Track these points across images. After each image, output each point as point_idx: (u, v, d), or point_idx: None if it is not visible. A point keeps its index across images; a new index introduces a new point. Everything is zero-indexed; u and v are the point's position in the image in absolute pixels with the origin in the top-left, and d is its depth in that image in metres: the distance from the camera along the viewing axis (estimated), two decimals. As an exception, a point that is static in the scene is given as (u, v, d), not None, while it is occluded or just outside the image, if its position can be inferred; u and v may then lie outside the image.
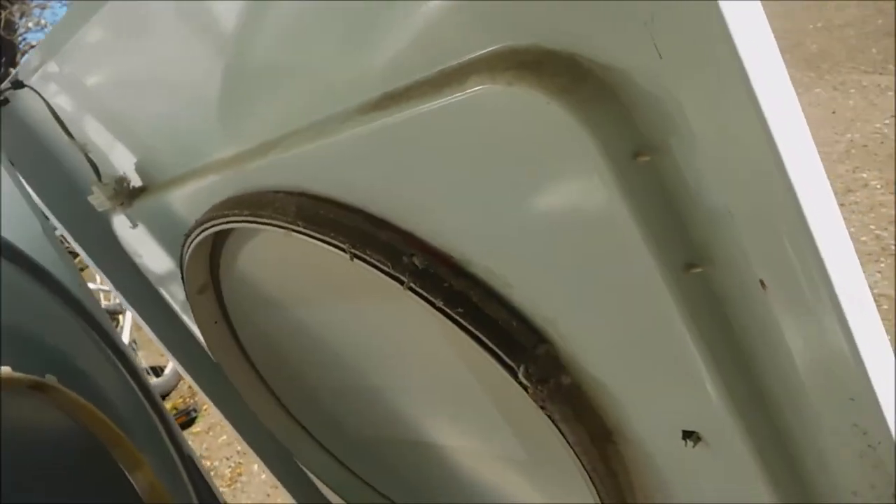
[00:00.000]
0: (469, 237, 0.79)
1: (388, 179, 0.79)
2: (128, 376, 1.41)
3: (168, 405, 4.21)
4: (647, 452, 0.92)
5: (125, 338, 4.16)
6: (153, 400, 1.49)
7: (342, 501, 1.63)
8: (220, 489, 3.32)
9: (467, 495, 1.28)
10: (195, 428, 3.94)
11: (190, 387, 4.13)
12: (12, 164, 1.40)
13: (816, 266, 0.58)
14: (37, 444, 1.27)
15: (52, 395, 1.11)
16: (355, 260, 0.83)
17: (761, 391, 0.71)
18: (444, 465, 1.26)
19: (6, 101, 1.35)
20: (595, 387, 0.86)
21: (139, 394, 1.44)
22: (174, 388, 4.38)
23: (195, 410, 4.07)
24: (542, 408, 0.83)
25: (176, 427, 1.59)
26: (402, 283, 0.81)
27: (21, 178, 1.42)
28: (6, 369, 0.99)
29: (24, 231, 1.37)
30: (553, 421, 0.84)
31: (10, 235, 1.28)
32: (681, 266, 0.65)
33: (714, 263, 0.65)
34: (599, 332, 0.78)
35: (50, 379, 1.09)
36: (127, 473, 1.26)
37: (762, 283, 0.62)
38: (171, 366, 4.26)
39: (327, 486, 1.51)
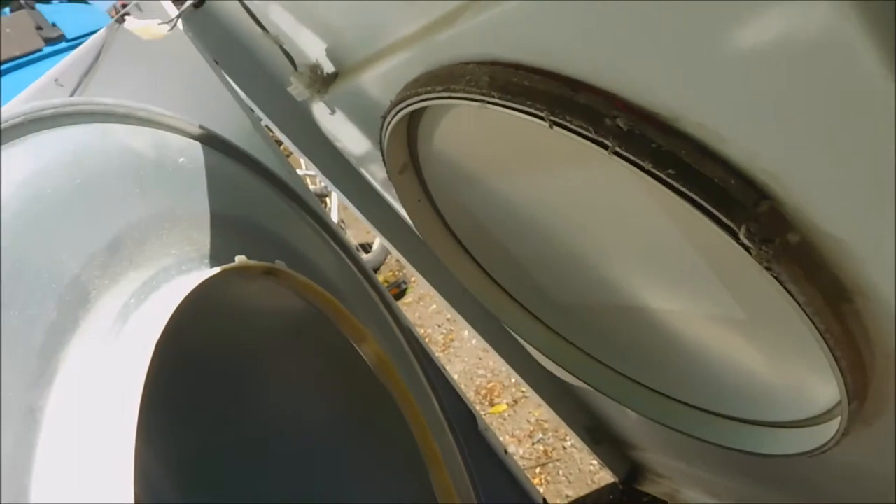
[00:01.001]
0: (678, 90, 0.74)
1: (587, 35, 0.75)
2: (343, 255, 1.52)
3: (380, 279, 4.53)
4: (892, 311, 0.85)
5: (334, 218, 4.47)
6: (368, 275, 1.60)
7: (549, 362, 1.69)
8: (437, 353, 3.57)
9: (679, 354, 1.27)
10: (406, 299, 4.22)
11: (398, 260, 4.40)
12: (217, 63, 1.50)
13: None
14: (275, 323, 1.43)
15: (282, 279, 1.22)
16: (555, 127, 0.81)
17: None
18: (654, 326, 1.25)
19: (202, 1, 1.43)
20: (828, 242, 0.79)
21: (355, 270, 1.55)
22: (383, 262, 4.68)
23: (405, 283, 4.34)
24: (767, 269, 0.78)
25: (391, 299, 1.71)
26: (606, 147, 0.78)
27: (226, 75, 1.52)
28: (242, 258, 1.10)
29: (236, 127, 1.48)
30: (780, 282, 0.80)
31: (225, 132, 1.39)
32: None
33: None
34: (833, 181, 0.71)
35: (279, 264, 1.20)
36: (356, 346, 1.39)
37: None
38: (378, 242, 4.53)
39: (535, 348, 1.56)
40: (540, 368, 1.94)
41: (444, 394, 1.73)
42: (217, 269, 1.03)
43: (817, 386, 1.05)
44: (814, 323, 0.83)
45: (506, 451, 1.94)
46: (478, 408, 3.01)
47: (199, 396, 1.49)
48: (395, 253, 1.75)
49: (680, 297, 1.14)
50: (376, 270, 4.58)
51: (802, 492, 1.67)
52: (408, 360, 1.56)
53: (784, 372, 1.11)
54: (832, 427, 1.08)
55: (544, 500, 2.04)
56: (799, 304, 0.81)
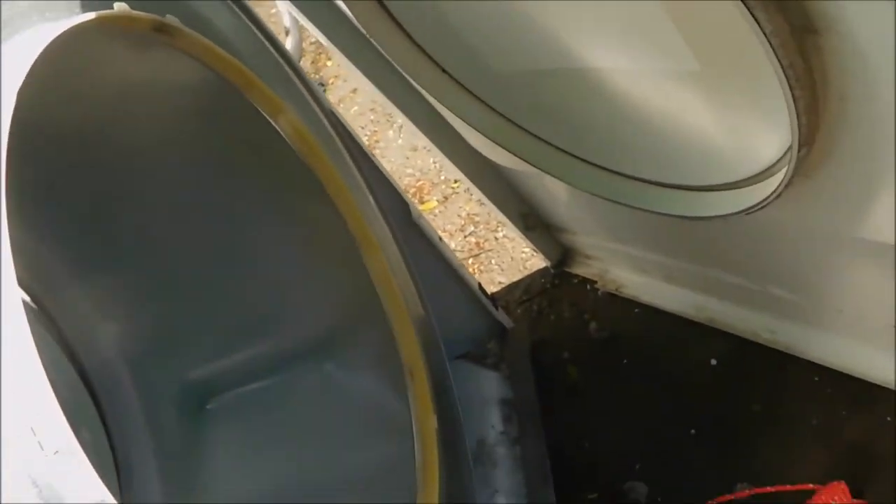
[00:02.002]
0: None
1: None
2: (244, 17, 1.35)
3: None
4: (858, 51, 0.81)
5: None
6: (277, 46, 1.45)
7: (486, 145, 1.64)
8: (361, 155, 3.49)
9: (623, 121, 1.23)
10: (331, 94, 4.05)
11: (314, 61, 4.16)
12: None
13: None
14: (173, 94, 1.29)
15: (178, 39, 1.08)
16: None
17: None
18: (599, 91, 1.19)
19: None
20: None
21: (261, 37, 1.40)
22: (299, 59, 4.41)
23: (323, 83, 4.14)
24: (737, -8, 0.71)
25: (312, 81, 1.59)
26: None
27: None
28: (121, 5, 0.95)
29: None
30: (749, 9, 0.74)
31: None
32: None
33: None
34: None
35: (171, 19, 1.05)
36: (269, 119, 1.29)
37: None
38: (290, 24, 4.14)
39: (474, 127, 1.50)
40: (475, 158, 1.90)
41: (375, 182, 1.67)
42: (91, 15, 0.88)
43: (765, 137, 1.03)
44: (777, 57, 0.78)
45: (440, 239, 1.94)
46: (408, 206, 3.00)
47: (85, 185, 1.38)
48: (313, 30, 1.61)
49: (630, 51, 1.08)
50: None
51: (731, 262, 1.73)
52: (333, 144, 1.48)
53: (732, 127, 1.09)
54: (773, 182, 1.08)
55: (479, 284, 2.08)
56: (765, 35, 0.76)
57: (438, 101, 1.49)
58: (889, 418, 1.59)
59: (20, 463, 0.65)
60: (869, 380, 1.61)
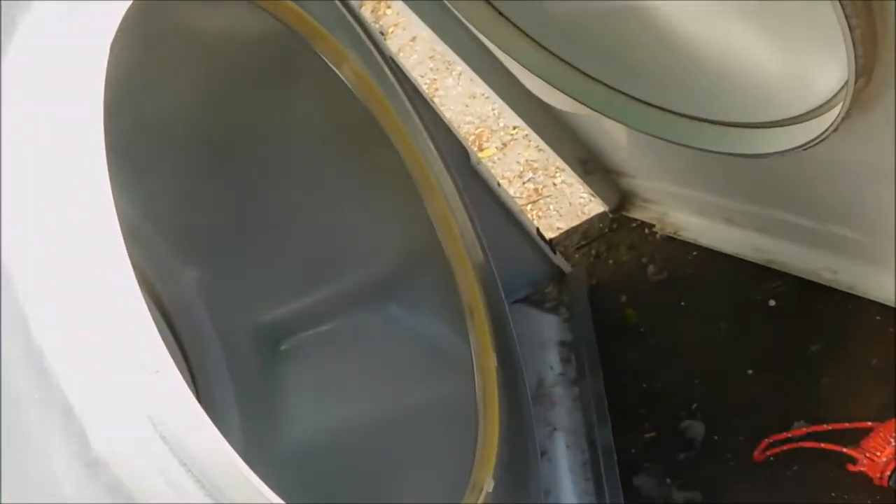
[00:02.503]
0: None
1: None
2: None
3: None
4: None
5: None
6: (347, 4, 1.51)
7: (543, 89, 1.67)
8: (419, 105, 3.52)
9: (679, 58, 1.24)
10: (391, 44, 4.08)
11: (373, 10, 4.18)
12: None
13: None
14: (246, 55, 1.36)
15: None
16: None
17: None
18: (655, 27, 1.21)
19: None
20: None
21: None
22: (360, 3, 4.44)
23: (382, 32, 4.16)
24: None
25: (374, 29, 1.63)
26: None
27: None
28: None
29: None
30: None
31: None
32: None
33: None
34: None
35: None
36: (334, 68, 1.34)
37: None
38: None
39: (530, 70, 1.53)
40: (533, 103, 1.92)
41: (435, 128, 1.72)
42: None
43: (822, 70, 1.03)
44: (831, -12, 0.79)
45: (498, 185, 1.98)
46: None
47: (173, 145, 1.47)
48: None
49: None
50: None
51: (791, 201, 1.73)
52: (394, 92, 1.52)
53: (789, 60, 1.09)
54: (830, 116, 1.09)
55: (537, 229, 2.12)
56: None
57: (494, 43, 1.52)
58: (952, 356, 1.59)
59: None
60: (933, 318, 1.61)
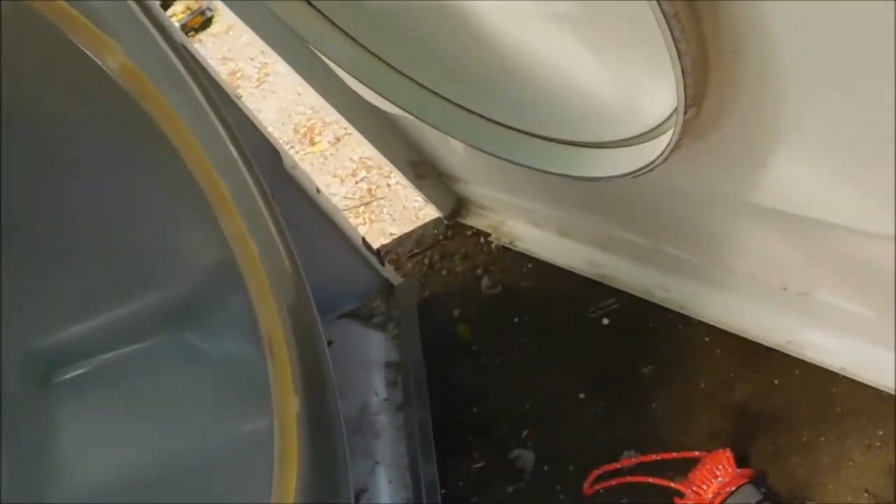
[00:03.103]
0: None
1: None
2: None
3: (180, 6, 3.97)
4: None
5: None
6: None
7: (370, 92, 1.48)
8: (249, 90, 3.24)
9: (505, 69, 1.09)
10: (213, 29, 3.75)
11: (199, -17, 3.83)
12: None
13: None
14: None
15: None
16: None
17: None
18: (478, 35, 1.05)
19: None
20: None
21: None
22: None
23: (210, 9, 3.82)
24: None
25: (162, 15, 1.38)
26: None
27: None
28: None
29: None
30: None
31: None
32: None
33: None
34: None
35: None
36: (95, 59, 1.09)
37: None
38: None
39: (350, 73, 1.34)
40: (360, 102, 1.73)
41: (239, 127, 1.49)
42: None
43: (652, 94, 0.91)
44: (660, 5, 0.66)
45: (318, 190, 1.78)
46: (297, 147, 2.81)
47: None
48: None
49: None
50: (174, -7, 3.98)
51: (624, 219, 1.65)
52: (182, 85, 1.29)
53: (617, 80, 0.97)
54: (661, 143, 0.97)
55: (363, 239, 1.94)
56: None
57: (303, 37, 1.32)
58: (776, 381, 1.56)
59: None
60: (759, 341, 1.58)
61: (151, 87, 1.17)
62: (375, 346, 1.95)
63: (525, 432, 1.75)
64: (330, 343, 1.98)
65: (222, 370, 1.56)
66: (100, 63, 1.11)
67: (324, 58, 1.43)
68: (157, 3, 1.44)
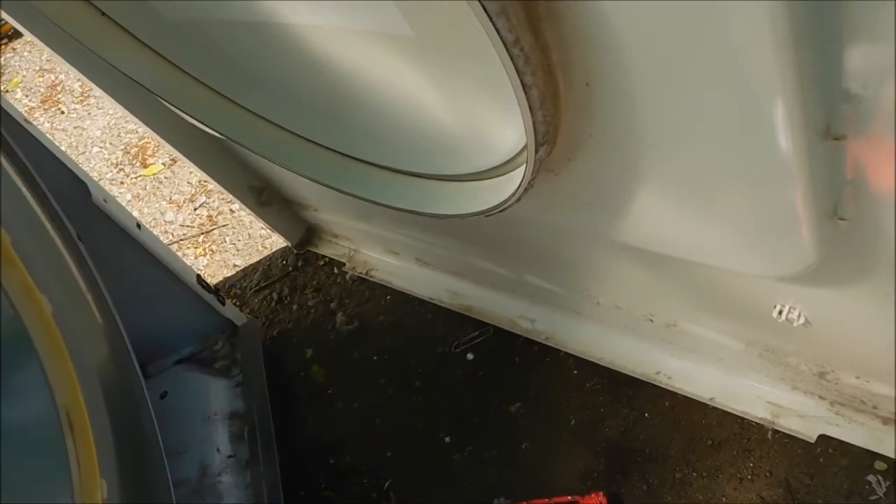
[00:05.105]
0: None
1: None
2: None
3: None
4: (605, 21, 0.60)
5: None
6: None
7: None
8: (72, 106, 2.93)
9: (339, 89, 0.96)
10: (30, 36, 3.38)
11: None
12: None
13: None
14: None
15: None
16: None
17: None
18: (300, 51, 0.92)
19: None
20: None
21: None
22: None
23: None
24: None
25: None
26: None
27: None
28: None
29: None
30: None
31: None
32: None
33: None
34: None
35: None
36: None
37: None
38: None
39: (164, 98, 1.17)
40: (188, 124, 1.55)
41: (36, 159, 1.28)
42: None
43: (500, 127, 0.81)
44: (498, 30, 0.54)
45: (139, 226, 1.58)
46: (127, 170, 2.55)
47: None
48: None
49: (329, 5, 0.80)
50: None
51: (483, 249, 1.56)
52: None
53: (461, 111, 0.86)
54: (515, 179, 0.87)
55: (199, 276, 1.75)
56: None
57: (93, 48, 1.13)
58: (647, 414, 1.52)
59: None
60: (627, 372, 1.53)
61: None
62: (217, 395, 1.76)
63: (387, 483, 1.62)
64: (164, 395, 1.78)
65: (16, 445, 1.33)
66: None
67: (131, 78, 1.25)
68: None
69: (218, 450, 1.67)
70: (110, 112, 2.75)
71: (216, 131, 1.21)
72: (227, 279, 2.11)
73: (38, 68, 3.13)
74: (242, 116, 1.21)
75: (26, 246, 1.13)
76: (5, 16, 1.43)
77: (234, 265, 2.14)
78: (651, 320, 1.40)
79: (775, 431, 1.40)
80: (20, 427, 1.28)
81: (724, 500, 1.39)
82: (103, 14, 1.12)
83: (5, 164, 1.20)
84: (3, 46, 3.32)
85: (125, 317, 1.39)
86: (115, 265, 1.46)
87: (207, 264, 2.16)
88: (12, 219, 1.12)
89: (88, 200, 1.44)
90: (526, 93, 0.60)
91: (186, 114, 1.19)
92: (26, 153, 1.28)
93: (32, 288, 1.11)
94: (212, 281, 2.09)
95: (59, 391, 1.11)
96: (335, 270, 1.98)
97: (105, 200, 1.48)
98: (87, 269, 1.32)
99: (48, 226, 1.24)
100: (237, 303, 1.98)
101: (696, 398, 1.45)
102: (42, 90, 2.98)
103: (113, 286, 1.38)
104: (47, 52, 2.81)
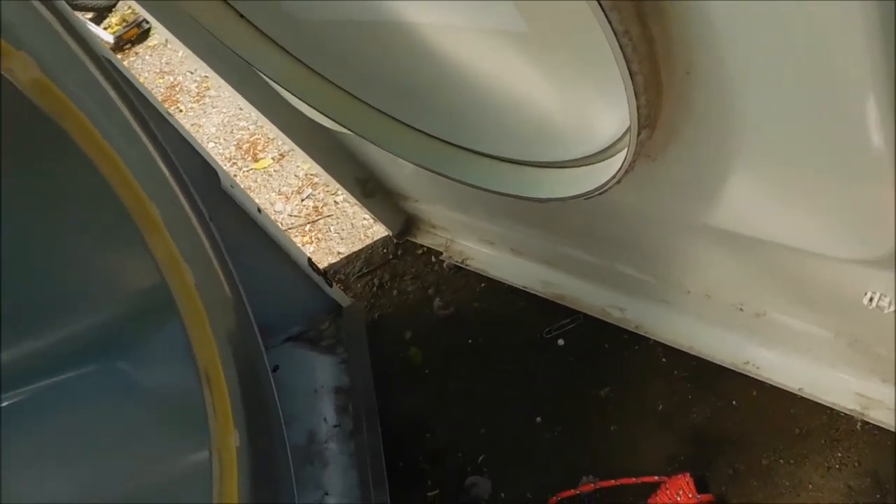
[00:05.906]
0: None
1: None
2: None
3: (115, 18, 3.86)
4: (706, 16, 0.67)
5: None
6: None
7: (311, 109, 1.44)
8: (189, 105, 3.16)
9: (452, 86, 1.06)
10: (151, 41, 3.65)
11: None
12: None
13: None
14: None
15: None
16: None
17: None
18: (422, 49, 1.02)
19: None
20: None
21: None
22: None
23: (147, 21, 3.72)
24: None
25: (83, 28, 1.31)
26: None
27: None
28: None
29: None
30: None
31: None
32: None
33: None
34: None
35: None
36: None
37: None
38: None
39: (289, 90, 1.30)
40: (303, 119, 1.69)
41: (171, 146, 1.43)
42: None
43: (603, 114, 0.89)
44: (610, 22, 0.63)
45: (259, 210, 1.73)
46: (239, 163, 2.74)
47: None
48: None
49: (451, 5, 0.91)
50: (109, 9, 3.86)
51: (578, 238, 1.63)
52: (107, 101, 1.23)
53: (568, 100, 0.95)
54: (614, 164, 0.96)
55: (309, 259, 1.89)
56: (593, -5, 0.61)
57: (235, 50, 1.27)
58: (734, 402, 1.56)
59: None
60: (716, 361, 1.57)
61: (70, 106, 1.11)
62: (324, 371, 1.90)
63: (480, 458, 1.72)
64: (275, 369, 1.93)
65: (157, 401, 1.49)
66: (9, 78, 1.05)
67: (258, 71, 1.39)
68: (85, 15, 1.38)
69: (325, 419, 1.80)
70: (224, 111, 2.95)
71: (337, 123, 1.33)
72: (331, 265, 2.25)
73: (158, 70, 3.38)
74: (360, 109, 1.33)
75: (170, 221, 1.28)
76: (149, 17, 1.59)
77: (339, 252, 2.29)
78: (740, 310, 1.45)
79: (864, 423, 1.42)
80: (168, 379, 1.44)
81: (810, 486, 1.42)
82: (241, 16, 1.26)
83: (151, 149, 1.36)
84: (127, 51, 3.59)
85: (246, 294, 1.53)
86: (239, 246, 1.60)
87: (313, 251, 2.31)
88: (159, 196, 1.27)
89: (218, 185, 1.59)
90: (633, 79, 0.69)
91: (310, 106, 1.31)
92: (167, 141, 1.44)
93: (178, 258, 1.25)
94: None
95: (200, 351, 1.25)
96: (433, 259, 2.09)
97: (232, 186, 1.64)
98: (217, 248, 1.47)
99: (186, 206, 1.39)
100: (341, 287, 2.12)
101: (784, 388, 1.49)
102: (162, 90, 3.21)
103: (235, 266, 1.52)
104: (166, 56, 3.04)
